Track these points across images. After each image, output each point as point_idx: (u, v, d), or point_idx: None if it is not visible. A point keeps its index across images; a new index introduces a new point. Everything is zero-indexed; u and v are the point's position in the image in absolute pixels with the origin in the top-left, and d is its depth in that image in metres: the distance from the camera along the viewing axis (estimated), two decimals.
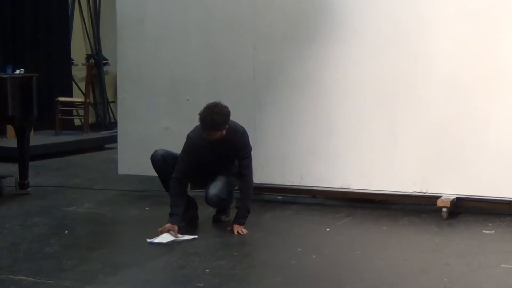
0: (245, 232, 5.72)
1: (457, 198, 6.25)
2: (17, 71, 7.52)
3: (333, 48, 6.57)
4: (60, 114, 10.80)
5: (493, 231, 5.81)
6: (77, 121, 11.44)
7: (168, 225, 5.55)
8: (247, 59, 6.76)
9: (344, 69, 6.54)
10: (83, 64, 12.17)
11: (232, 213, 6.04)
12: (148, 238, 5.48)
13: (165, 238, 5.46)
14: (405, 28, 6.34)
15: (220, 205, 6.02)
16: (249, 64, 6.77)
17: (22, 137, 7.25)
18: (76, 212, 6.56)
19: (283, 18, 6.71)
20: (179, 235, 5.52)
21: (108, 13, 11.49)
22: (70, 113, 11.24)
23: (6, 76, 7.24)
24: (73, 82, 11.89)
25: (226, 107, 5.68)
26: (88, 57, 12.22)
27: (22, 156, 7.27)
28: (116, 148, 7.60)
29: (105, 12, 12.28)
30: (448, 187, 6.29)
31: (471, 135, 6.20)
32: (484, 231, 5.82)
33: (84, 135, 10.82)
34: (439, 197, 6.25)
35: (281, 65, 6.72)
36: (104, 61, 12.44)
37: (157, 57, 7.08)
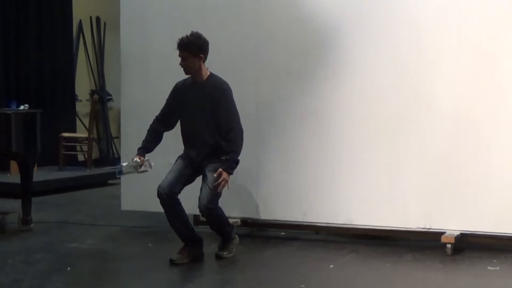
0: (226, 185, 5.78)
1: (461, 234, 6.22)
2: (21, 107, 7.55)
3: (335, 83, 6.59)
4: (63, 149, 10.81)
5: (498, 268, 5.76)
6: (80, 157, 11.46)
7: (138, 158, 5.96)
8: (250, 94, 6.78)
9: (346, 104, 6.56)
10: (87, 100, 12.22)
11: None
12: (146, 271, 5.55)
13: (128, 165, 5.96)
14: (407, 63, 6.35)
15: (212, 216, 5.96)
16: (252, 99, 6.78)
17: (25, 173, 7.25)
18: (79, 249, 6.54)
19: (286, 54, 6.74)
20: (143, 166, 5.94)
21: (112, 49, 11.57)
22: (73, 148, 11.27)
23: (10, 112, 7.27)
24: (77, 118, 11.93)
25: (206, 40, 5.92)
26: (92, 93, 12.28)
27: (25, 192, 7.27)
28: (119, 184, 7.60)
29: (109, 48, 12.36)
30: (452, 222, 6.26)
31: (474, 170, 6.18)
32: (489, 267, 5.78)
33: (88, 170, 10.82)
34: (443, 233, 6.22)
35: (284, 100, 6.73)
36: (108, 97, 12.49)
37: (161, 93, 7.06)
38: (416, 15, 6.32)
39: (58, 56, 11.48)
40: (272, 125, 6.77)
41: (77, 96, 11.99)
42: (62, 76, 11.55)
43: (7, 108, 7.69)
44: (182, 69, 6.46)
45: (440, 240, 6.16)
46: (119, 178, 5.96)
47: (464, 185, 6.21)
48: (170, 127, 6.18)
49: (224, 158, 5.87)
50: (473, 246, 6.30)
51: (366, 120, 6.49)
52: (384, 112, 6.43)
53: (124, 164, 6.07)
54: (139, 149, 6.07)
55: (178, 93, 6.09)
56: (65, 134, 10.92)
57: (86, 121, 11.60)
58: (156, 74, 7.16)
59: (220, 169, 5.81)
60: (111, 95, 12.46)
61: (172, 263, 5.83)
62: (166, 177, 5.96)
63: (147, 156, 6.06)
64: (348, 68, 6.55)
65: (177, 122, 6.16)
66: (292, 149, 6.74)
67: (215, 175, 5.82)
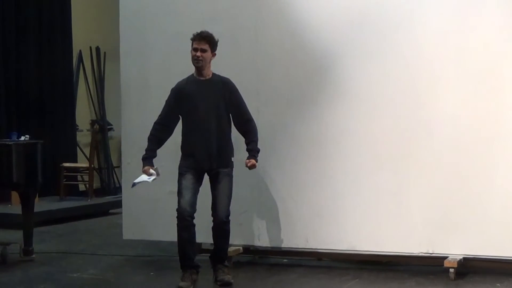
0: (255, 166, 5.98)
1: (464, 258, 6.21)
2: (22, 138, 7.56)
3: (336, 110, 6.61)
4: (64, 179, 10.80)
5: None
6: (81, 187, 11.44)
7: (145, 168, 5.99)
8: None
9: (347, 130, 6.57)
10: (87, 130, 12.24)
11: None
12: None
13: (143, 178, 6.01)
14: (407, 90, 6.38)
15: (228, 228, 6.01)
16: None
17: (26, 203, 7.25)
18: (81, 279, 6.51)
19: (286, 81, 6.77)
20: (152, 175, 5.99)
21: (112, 78, 11.60)
22: (74, 178, 11.26)
23: (11, 143, 7.28)
24: (77, 148, 11.94)
25: None
26: (93, 123, 12.29)
27: (27, 222, 7.26)
28: (121, 213, 7.58)
29: (109, 77, 12.39)
30: (454, 247, 6.25)
31: (476, 195, 6.18)
32: None
33: (89, 200, 10.81)
34: (446, 257, 6.20)
35: (284, 127, 6.75)
36: (108, 126, 12.50)
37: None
38: (417, 40, 6.35)
39: (58, 86, 11.51)
40: (274, 153, 6.77)
41: (77, 126, 12.00)
42: (63, 106, 11.58)
43: (8, 139, 7.69)
44: None
45: (443, 265, 6.14)
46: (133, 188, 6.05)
47: (466, 209, 6.20)
48: (171, 132, 6.13)
49: (249, 148, 5.99)
50: (476, 270, 6.28)
51: (368, 146, 6.50)
52: (386, 138, 6.44)
53: (136, 181, 6.08)
54: (145, 159, 6.04)
55: (184, 93, 6.01)
56: (66, 164, 10.92)
57: (87, 151, 11.61)
58: (156, 103, 7.13)
59: (253, 160, 5.94)
60: (111, 125, 12.47)
61: None
62: (182, 196, 5.87)
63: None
64: (349, 95, 6.57)
65: (176, 126, 6.11)
66: (293, 176, 6.74)
67: (249, 165, 5.93)
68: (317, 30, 6.67)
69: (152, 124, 6.19)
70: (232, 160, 6.05)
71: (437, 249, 6.30)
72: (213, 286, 6.05)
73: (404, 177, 6.39)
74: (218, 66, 6.64)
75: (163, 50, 7.16)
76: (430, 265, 6.38)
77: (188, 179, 5.92)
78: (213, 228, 6.05)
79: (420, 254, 6.36)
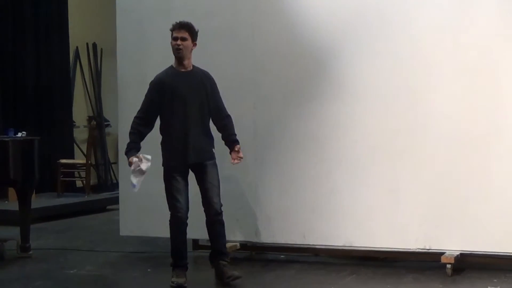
0: (242, 157, 5.94)
1: (461, 254, 6.21)
2: (19, 134, 7.55)
3: (333, 106, 6.61)
4: (61, 176, 10.80)
5: (498, 287, 5.75)
6: (78, 183, 11.45)
7: (131, 159, 5.76)
8: (248, 117, 6.79)
9: (344, 126, 6.58)
10: (84, 126, 12.24)
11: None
12: None
13: (136, 175, 5.77)
14: (404, 85, 6.38)
15: (222, 220, 5.96)
16: (249, 123, 6.80)
17: (23, 200, 7.25)
18: (78, 275, 6.52)
19: (283, 77, 6.77)
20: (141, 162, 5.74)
21: (109, 75, 11.60)
22: (71, 175, 11.26)
23: (8, 139, 7.27)
24: (74, 144, 11.93)
25: None
26: (90, 119, 12.29)
27: (24, 219, 7.26)
28: (118, 209, 7.59)
29: (106, 74, 12.39)
30: (451, 243, 6.26)
31: (473, 190, 6.19)
32: (489, 287, 5.77)
33: (86, 196, 10.81)
34: (443, 253, 6.21)
35: (281, 124, 6.75)
36: (105, 123, 12.50)
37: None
38: (413, 38, 6.34)
39: (55, 83, 11.51)
40: (270, 149, 6.78)
41: (74, 122, 12.00)
42: (60, 102, 11.57)
43: (4, 136, 7.68)
44: None
45: (440, 261, 6.15)
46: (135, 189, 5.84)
47: (463, 205, 6.21)
48: (152, 127, 5.98)
49: (233, 139, 5.98)
50: (473, 266, 6.29)
51: (365, 142, 6.51)
52: (382, 134, 6.45)
53: (133, 181, 5.83)
54: (130, 151, 5.85)
55: (166, 85, 5.89)
56: (63, 161, 10.92)
57: (84, 147, 11.61)
58: None
59: (239, 145, 5.92)
60: (108, 121, 12.47)
61: (183, 287, 5.81)
62: (177, 200, 5.82)
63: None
64: (346, 91, 6.57)
65: (156, 121, 5.99)
66: (290, 172, 6.74)
67: (236, 150, 5.92)
68: (313, 27, 6.67)
69: (132, 120, 6.07)
70: (213, 151, 6.00)
71: (434, 245, 6.31)
72: (213, 281, 6.05)
73: (400, 173, 6.39)
74: (215, 62, 6.66)
75: (159, 46, 7.13)
76: (427, 261, 6.39)
77: (179, 181, 5.85)
78: (208, 223, 5.99)
79: (417, 250, 6.37)
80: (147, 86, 7.17)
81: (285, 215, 6.76)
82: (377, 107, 6.47)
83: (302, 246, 6.75)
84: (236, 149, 5.96)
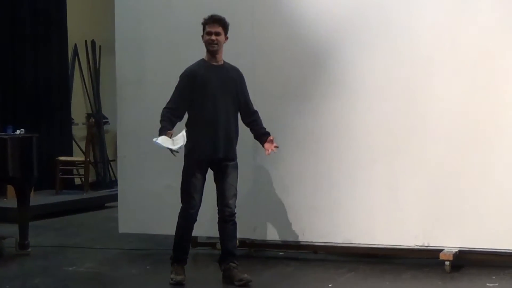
0: (277, 146, 5.90)
1: (459, 250, 6.22)
2: (18, 132, 7.55)
3: (332, 104, 6.61)
4: (60, 173, 10.80)
5: (497, 284, 5.76)
6: (77, 180, 11.43)
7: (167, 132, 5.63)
8: None
9: (343, 124, 6.58)
10: (83, 123, 12.22)
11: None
12: None
13: (166, 143, 5.56)
14: (402, 82, 6.39)
15: (235, 221, 5.90)
16: None
17: (22, 197, 7.24)
18: (77, 272, 6.51)
19: (282, 75, 6.77)
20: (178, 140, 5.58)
21: (108, 72, 11.59)
22: (70, 172, 11.24)
23: (6, 136, 7.27)
24: (73, 142, 11.92)
25: None
26: (88, 116, 12.28)
27: (22, 216, 7.25)
28: (117, 206, 7.58)
29: (104, 71, 12.37)
30: (450, 240, 6.27)
31: (472, 187, 6.19)
32: (488, 284, 5.78)
33: (85, 194, 10.80)
34: (441, 250, 6.22)
35: (280, 121, 6.74)
36: (104, 120, 12.49)
37: (157, 115, 7.05)
38: (413, 35, 6.36)
39: (54, 80, 11.48)
40: None
41: (73, 119, 11.98)
42: (58, 100, 11.56)
43: (3, 133, 7.68)
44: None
45: (438, 258, 6.16)
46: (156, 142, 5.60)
47: (462, 202, 6.22)
48: (181, 118, 5.87)
49: (264, 132, 5.95)
50: (472, 263, 6.29)
51: (363, 140, 6.51)
52: (381, 132, 6.45)
53: (159, 141, 5.61)
54: (164, 130, 5.67)
55: (198, 77, 5.79)
56: (62, 158, 10.91)
57: (83, 144, 11.59)
58: (151, 96, 7.16)
59: (272, 136, 5.88)
60: (107, 118, 12.46)
61: (182, 284, 5.79)
62: (192, 197, 5.75)
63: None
64: (344, 89, 6.57)
65: (184, 114, 5.88)
66: (289, 169, 6.74)
67: (269, 143, 5.86)
68: (312, 25, 6.67)
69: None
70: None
71: (432, 242, 6.31)
72: (211, 279, 6.05)
73: (399, 170, 6.40)
74: None
75: (158, 43, 7.15)
76: (426, 257, 6.39)
77: (199, 179, 5.76)
78: (221, 223, 5.89)
79: (416, 247, 6.37)
80: (146, 83, 7.20)
81: (284, 213, 6.76)
82: (376, 105, 6.47)
83: (301, 243, 6.75)
84: (271, 138, 5.90)
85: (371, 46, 6.48)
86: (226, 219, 5.87)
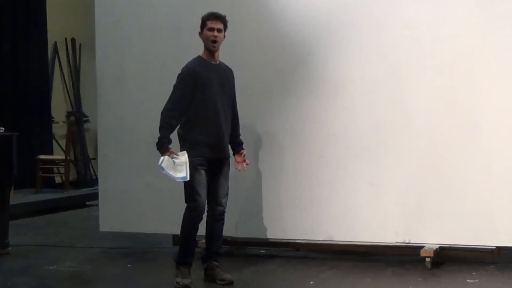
0: (248, 163, 5.94)
1: (440, 247, 6.25)
2: None
3: (312, 101, 6.62)
4: (40, 172, 10.75)
5: (477, 280, 5.79)
6: (58, 179, 11.39)
7: (166, 154, 5.52)
8: None
9: (323, 121, 6.58)
10: (63, 122, 12.17)
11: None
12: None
13: (169, 171, 5.49)
14: (382, 80, 6.41)
15: (224, 221, 5.84)
16: None
17: (2, 196, 7.19)
18: (58, 271, 6.48)
19: (263, 73, 6.76)
20: (175, 157, 5.51)
21: (88, 70, 11.55)
22: (50, 171, 11.20)
23: None
24: (53, 140, 11.87)
25: None
26: (69, 114, 12.23)
27: (2, 215, 7.20)
28: (98, 205, 7.55)
29: (85, 69, 12.34)
30: (430, 236, 6.29)
31: (452, 184, 6.22)
32: (468, 280, 5.81)
33: (65, 192, 10.76)
34: (422, 247, 6.24)
35: (261, 118, 6.74)
36: (84, 118, 12.45)
37: (138, 113, 7.08)
38: (394, 32, 6.37)
39: (34, 78, 11.43)
40: (250, 144, 6.75)
41: (53, 118, 11.94)
42: (38, 98, 11.50)
43: None
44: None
45: (419, 254, 6.18)
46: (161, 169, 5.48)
47: (442, 199, 6.24)
48: (181, 119, 5.71)
49: (239, 141, 5.92)
50: (452, 260, 6.33)
51: (344, 136, 6.52)
52: (362, 128, 6.47)
53: (179, 175, 5.53)
54: (163, 146, 5.55)
55: (200, 76, 5.66)
56: (42, 157, 10.87)
57: (63, 143, 11.55)
58: (132, 94, 7.15)
59: (245, 151, 5.90)
60: (87, 116, 12.42)
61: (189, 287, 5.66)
62: (199, 194, 5.60)
63: None
64: (326, 86, 6.58)
65: (186, 112, 5.73)
66: (270, 167, 6.75)
67: (242, 157, 5.90)
68: (294, 22, 6.66)
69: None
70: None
71: (413, 239, 6.34)
72: (196, 279, 6.04)
73: (380, 167, 6.42)
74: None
75: (139, 41, 7.12)
76: (407, 254, 6.41)
77: (203, 175, 5.64)
78: (210, 221, 5.80)
79: (397, 244, 6.40)
80: (126, 81, 7.17)
81: (265, 210, 6.77)
82: (356, 102, 6.48)
83: (282, 240, 6.76)
84: (243, 152, 5.90)
85: (351, 43, 6.49)
86: (217, 217, 5.79)
